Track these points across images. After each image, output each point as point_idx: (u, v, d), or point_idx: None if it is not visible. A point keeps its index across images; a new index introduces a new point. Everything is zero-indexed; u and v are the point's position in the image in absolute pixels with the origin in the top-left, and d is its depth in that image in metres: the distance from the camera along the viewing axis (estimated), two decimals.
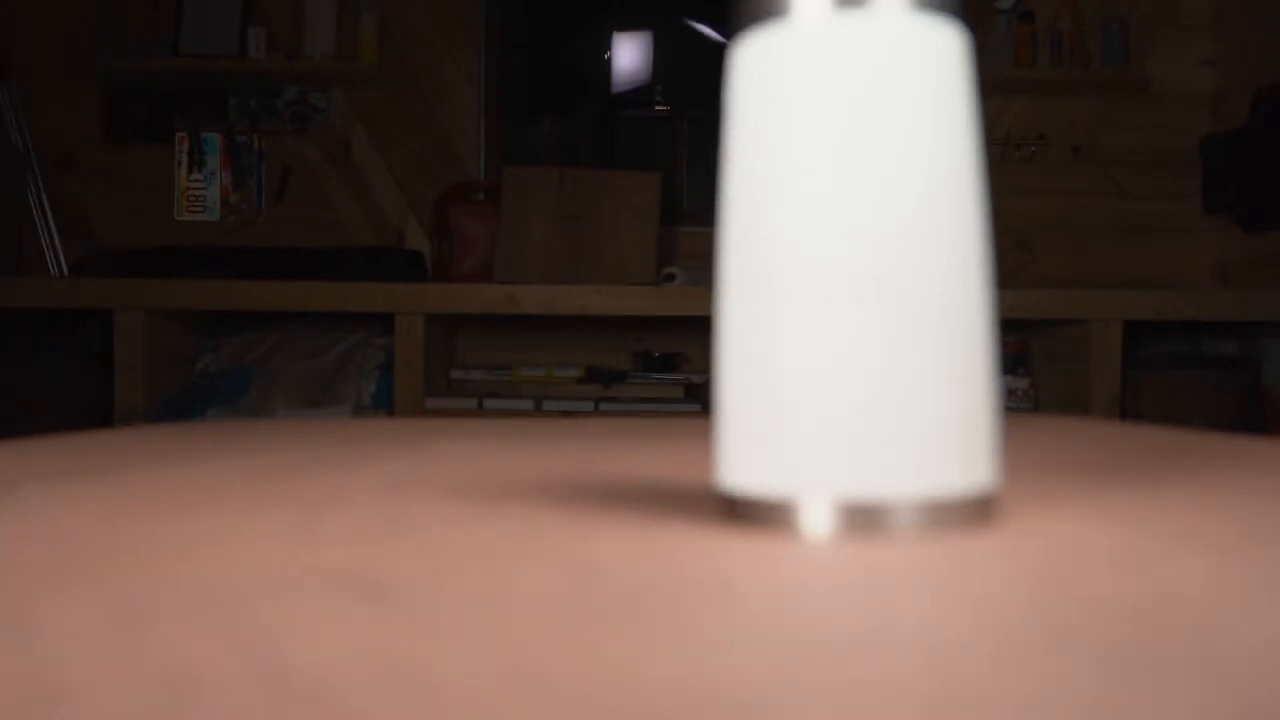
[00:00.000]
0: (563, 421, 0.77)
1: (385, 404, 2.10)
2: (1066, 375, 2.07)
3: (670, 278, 2.20)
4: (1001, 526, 0.28)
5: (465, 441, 0.59)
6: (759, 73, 0.29)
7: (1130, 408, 1.99)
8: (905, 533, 0.27)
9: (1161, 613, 0.19)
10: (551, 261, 2.07)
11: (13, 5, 2.43)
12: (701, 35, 2.55)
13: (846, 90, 0.27)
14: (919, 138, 0.27)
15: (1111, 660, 0.16)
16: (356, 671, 0.15)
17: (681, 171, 2.52)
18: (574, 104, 2.54)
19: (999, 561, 0.23)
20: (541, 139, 2.52)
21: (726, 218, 0.30)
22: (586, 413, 2.05)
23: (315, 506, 0.33)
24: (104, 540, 0.27)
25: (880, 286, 0.27)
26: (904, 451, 0.27)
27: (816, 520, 0.27)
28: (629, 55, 2.56)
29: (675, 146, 2.54)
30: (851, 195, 0.27)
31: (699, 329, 2.35)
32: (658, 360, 2.30)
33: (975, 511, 0.28)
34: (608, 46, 2.56)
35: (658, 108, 2.55)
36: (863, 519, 0.27)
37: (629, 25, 2.56)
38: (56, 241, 2.41)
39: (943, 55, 0.28)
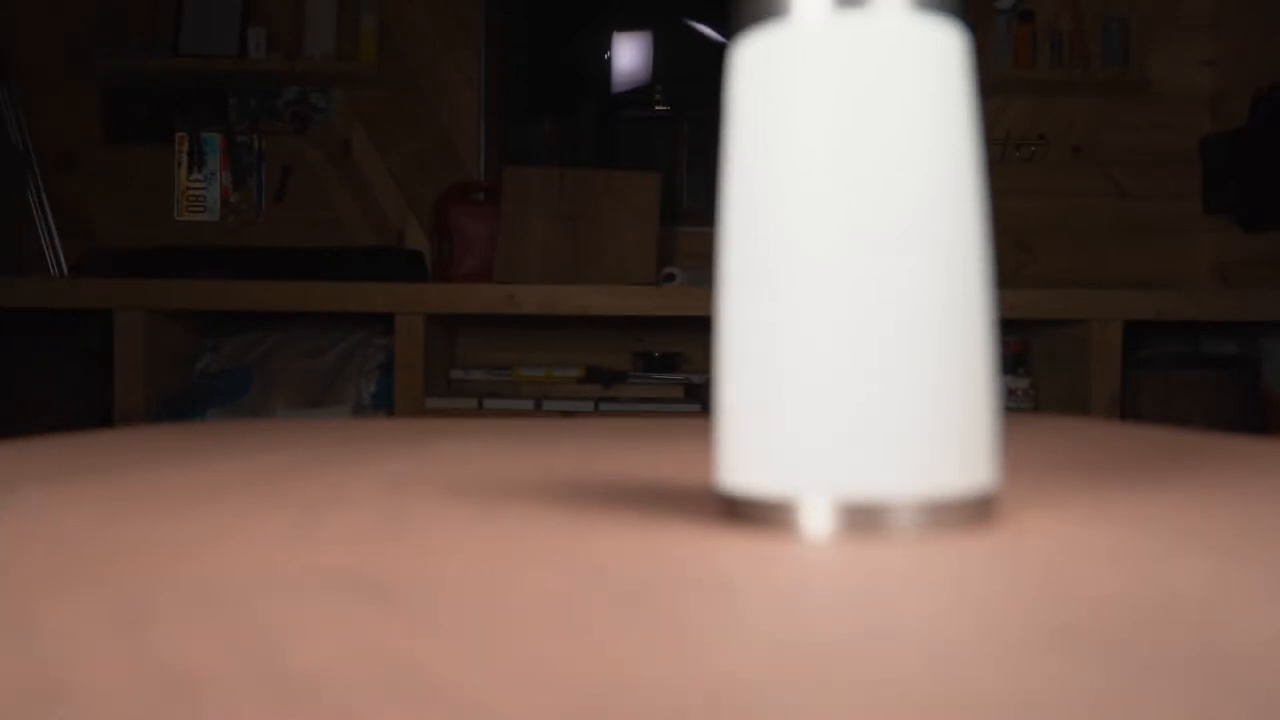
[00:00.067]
0: (563, 421, 0.77)
1: (385, 404, 2.10)
2: (1066, 375, 2.07)
3: (670, 278, 2.20)
4: (1001, 526, 0.28)
5: (465, 441, 0.59)
6: (759, 73, 0.29)
7: (1130, 408, 1.99)
8: (905, 533, 0.27)
9: (1161, 613, 0.19)
10: (551, 261, 2.07)
11: (13, 5, 2.43)
12: (701, 35, 2.55)
13: (846, 90, 0.27)
14: (919, 138, 0.27)
15: (1111, 660, 0.16)
16: (356, 671, 0.15)
17: (681, 171, 2.52)
18: (574, 104, 2.54)
19: (999, 561, 0.23)
20: (541, 139, 2.52)
21: (726, 218, 0.30)
22: (586, 413, 2.05)
23: (315, 506, 0.33)
24: (104, 540, 0.27)
25: (880, 287, 0.27)
26: (904, 451, 0.27)
27: (816, 520, 0.27)
28: (629, 55, 2.56)
29: (675, 146, 2.54)
30: (851, 195, 0.27)
31: (699, 329, 2.35)
32: (658, 360, 2.30)
33: (975, 511, 0.28)
34: (608, 46, 2.56)
35: (658, 108, 2.55)
36: (863, 519, 0.27)
37: (629, 25, 2.56)
38: (56, 241, 2.41)
39: (943, 55, 0.28)
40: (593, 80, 2.56)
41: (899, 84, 0.27)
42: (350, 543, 0.26)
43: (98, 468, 0.44)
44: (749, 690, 0.14)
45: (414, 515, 0.31)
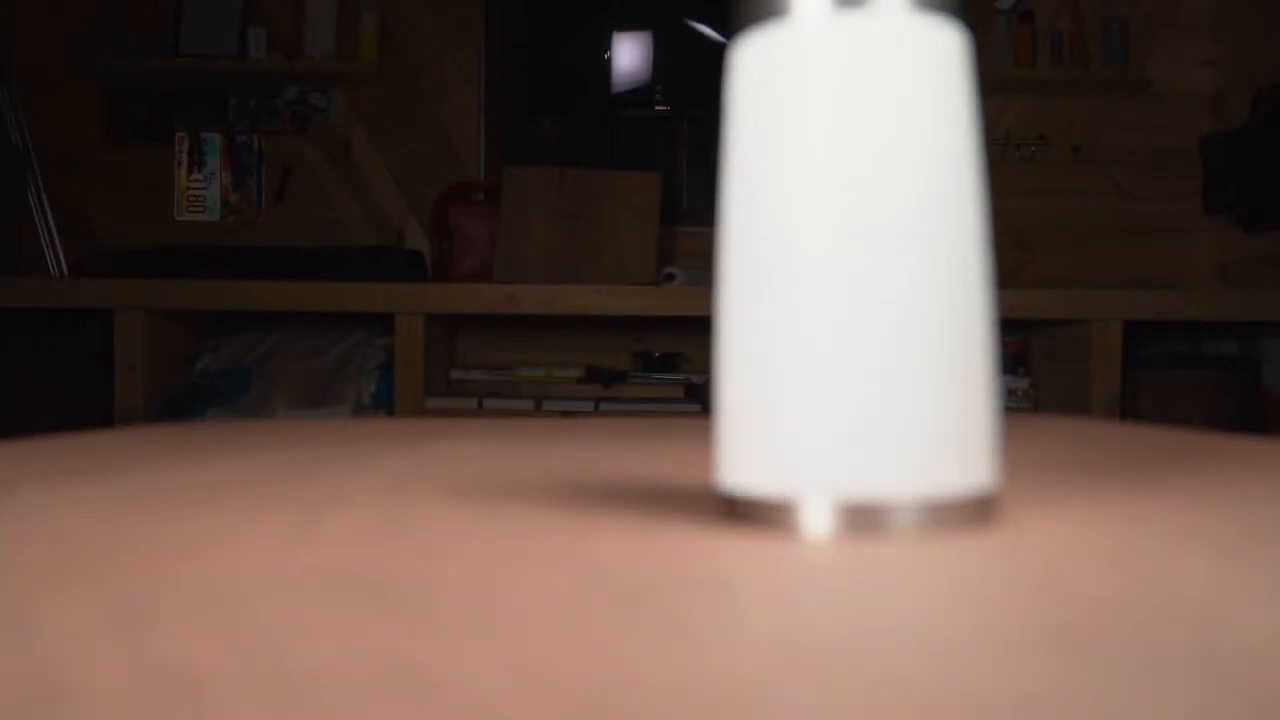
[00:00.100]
0: (563, 421, 0.77)
1: (385, 404, 2.10)
2: (1066, 375, 2.07)
3: (670, 278, 2.20)
4: (1001, 526, 0.28)
5: (465, 441, 0.59)
6: (759, 73, 0.29)
7: (1130, 408, 1.99)
8: (905, 533, 0.27)
9: (1161, 613, 0.19)
10: (551, 261, 2.07)
11: (13, 5, 2.43)
12: (701, 35, 2.55)
13: (846, 90, 0.27)
14: (919, 138, 0.27)
15: (1111, 660, 0.16)
16: (356, 671, 0.15)
17: (681, 171, 2.52)
18: (574, 104, 2.54)
19: (999, 561, 0.23)
20: (541, 139, 2.52)
21: (726, 218, 0.30)
22: (586, 413, 2.05)
23: (315, 506, 0.33)
24: (104, 540, 0.27)
25: (880, 286, 0.27)
26: (904, 451, 0.27)
27: (816, 520, 0.27)
28: (629, 55, 2.56)
29: (675, 146, 2.54)
30: (851, 195, 0.27)
31: (699, 329, 2.35)
32: (658, 360, 2.30)
33: (975, 511, 0.28)
34: (608, 46, 2.56)
35: (658, 108, 2.55)
36: (863, 519, 0.27)
37: (629, 25, 2.56)
38: (56, 241, 2.41)
39: (943, 55, 0.28)
40: (593, 80, 2.56)
41: (899, 84, 0.27)
42: (350, 543, 0.26)
43: (98, 468, 0.44)
44: (749, 690, 0.14)
45: (414, 515, 0.31)
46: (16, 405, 2.05)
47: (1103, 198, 2.46)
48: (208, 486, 0.38)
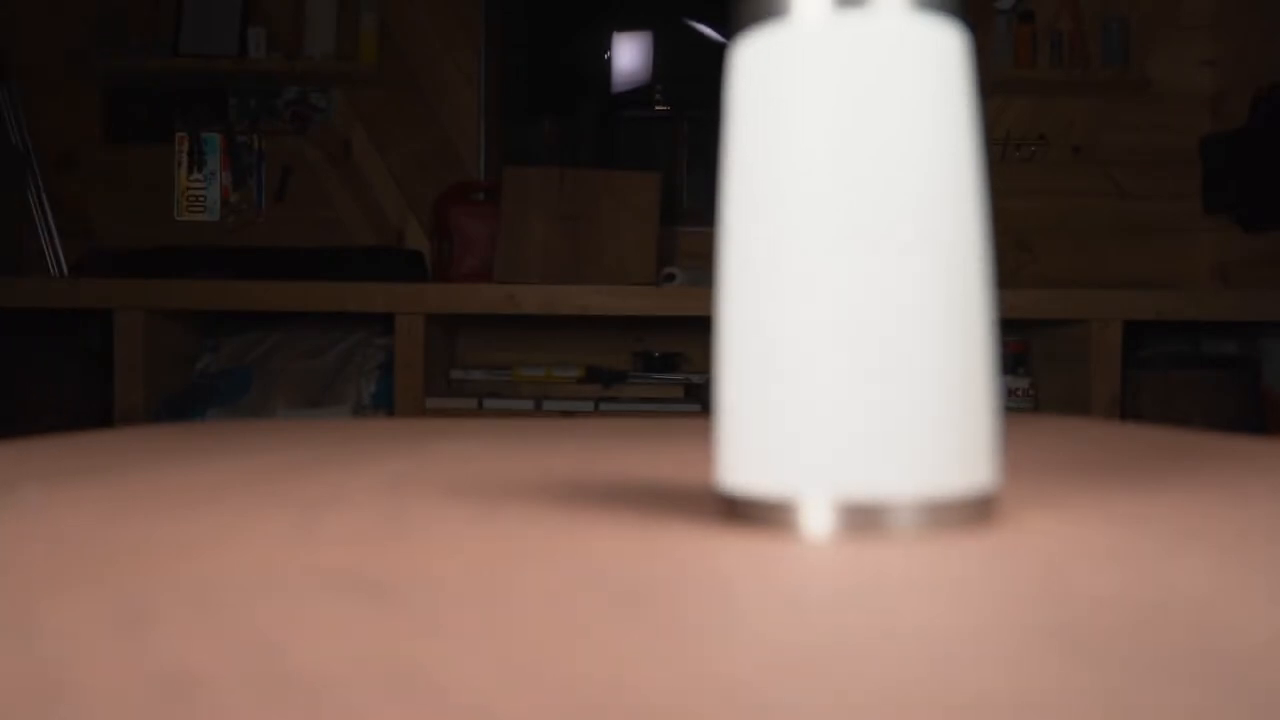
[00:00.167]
0: (563, 421, 0.77)
1: (385, 404, 2.10)
2: (1066, 375, 2.07)
3: (670, 278, 2.20)
4: (1001, 526, 0.28)
5: (465, 441, 0.59)
6: (759, 73, 0.29)
7: (1130, 408, 1.99)
8: (905, 533, 0.27)
9: (1161, 613, 0.19)
10: (551, 261, 2.07)
11: (13, 5, 2.43)
12: (701, 35, 2.55)
13: (846, 90, 0.27)
14: (919, 138, 0.27)
15: (1111, 660, 0.16)
16: (356, 671, 0.15)
17: (681, 171, 2.52)
18: (574, 104, 2.54)
19: (999, 561, 0.23)
20: (541, 139, 2.52)
21: (726, 218, 0.30)
22: (586, 413, 2.05)
23: (315, 506, 0.33)
24: (104, 540, 0.27)
25: (880, 287, 0.27)
26: (904, 451, 0.27)
27: (816, 520, 0.27)
28: (629, 55, 2.56)
29: (675, 146, 2.54)
30: (851, 195, 0.27)
31: (699, 329, 2.35)
32: (658, 360, 2.30)
33: (975, 511, 0.28)
34: (608, 46, 2.56)
35: (658, 108, 2.55)
36: (863, 519, 0.27)
37: (629, 25, 2.56)
38: (56, 241, 2.41)
39: (943, 55, 0.28)
40: (593, 80, 2.56)
41: (899, 84, 0.27)
42: (350, 543, 0.26)
43: (98, 468, 0.44)
44: (749, 690, 0.14)
45: (414, 515, 0.31)
46: (16, 405, 2.05)
47: (1103, 198, 2.46)
48: (208, 486, 0.38)
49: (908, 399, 0.27)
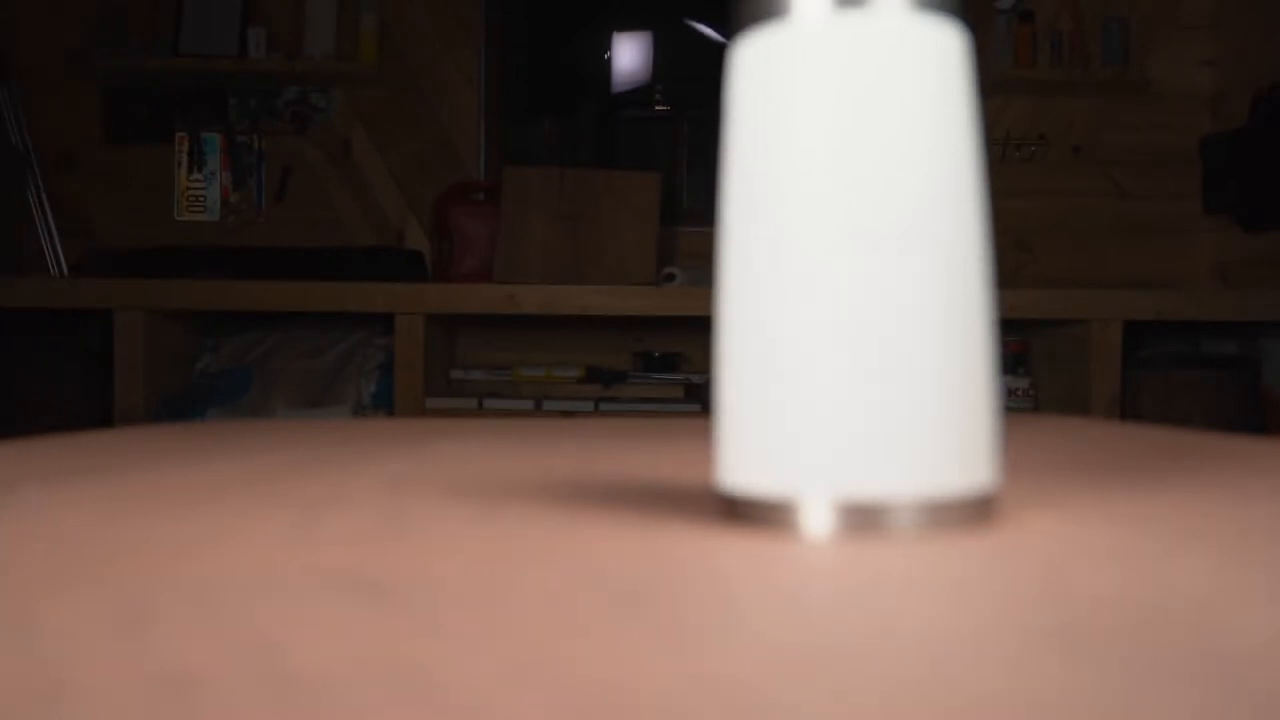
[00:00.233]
0: (563, 421, 0.77)
1: (385, 404, 2.10)
2: (1066, 375, 2.07)
3: (670, 278, 2.20)
4: (1001, 526, 0.28)
5: (465, 441, 0.59)
6: (759, 73, 0.29)
7: (1130, 408, 1.99)
8: (905, 533, 0.27)
9: (1161, 613, 0.19)
10: (551, 261, 2.07)
11: (13, 5, 2.43)
12: (701, 35, 2.55)
13: (846, 90, 0.27)
14: (919, 138, 0.27)
15: (1111, 660, 0.16)
16: (356, 671, 0.15)
17: (681, 171, 2.52)
18: (574, 104, 2.54)
19: (999, 561, 0.23)
20: (541, 139, 2.52)
21: (726, 218, 0.30)
22: (586, 413, 2.05)
23: (315, 506, 0.33)
24: (104, 540, 0.27)
25: (880, 287, 0.27)
26: (904, 451, 0.27)
27: (816, 520, 0.27)
28: (629, 55, 2.56)
29: (675, 146, 2.54)
30: (851, 195, 0.27)
31: (699, 329, 2.35)
32: (658, 360, 2.30)
33: (975, 511, 0.28)
34: (608, 46, 2.56)
35: (658, 108, 2.55)
36: (863, 519, 0.27)
37: (629, 25, 2.56)
38: (56, 241, 2.41)
39: (943, 55, 0.28)
40: (593, 80, 2.56)
41: (899, 84, 0.27)
42: (350, 543, 0.26)
43: (98, 468, 0.44)
44: (749, 690, 0.14)
45: (414, 515, 0.31)
46: (16, 405, 2.05)
47: (1103, 198, 2.46)
48: (208, 486, 0.38)
49: (908, 399, 0.27)
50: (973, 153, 0.29)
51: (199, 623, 0.18)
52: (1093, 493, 0.35)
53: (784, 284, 0.28)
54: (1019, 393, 2.17)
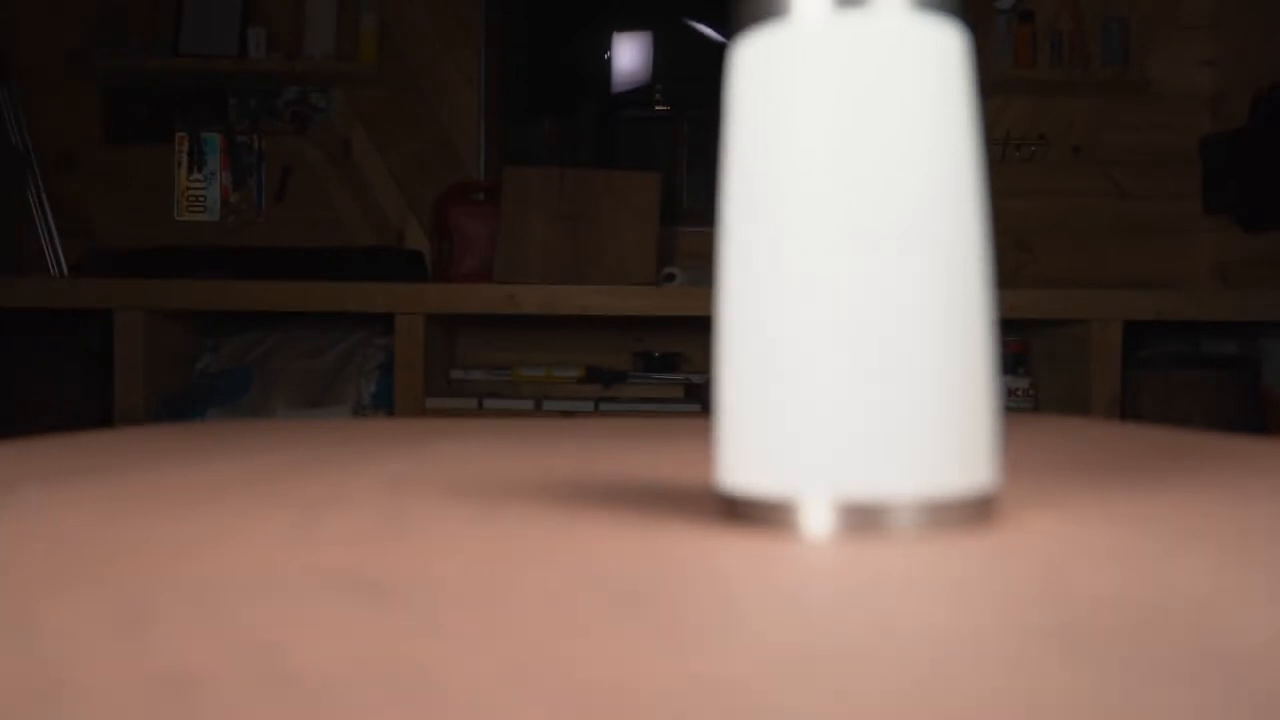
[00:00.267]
0: (563, 421, 0.77)
1: (385, 404, 2.10)
2: (1066, 375, 2.07)
3: (670, 278, 2.20)
4: (1001, 526, 0.28)
5: (465, 441, 0.59)
6: (759, 73, 0.29)
7: (1130, 408, 1.99)
8: (905, 533, 0.27)
9: (1161, 613, 0.19)
10: (551, 261, 2.07)
11: (13, 5, 2.43)
12: (701, 35, 2.55)
13: (846, 90, 0.27)
14: (919, 138, 0.27)
15: (1111, 660, 0.16)
16: (356, 671, 0.15)
17: (681, 171, 2.52)
18: (574, 104, 2.54)
19: (999, 561, 0.23)
20: (541, 139, 2.52)
21: (726, 218, 0.30)
22: (586, 413, 2.05)
23: (315, 506, 0.33)
24: (104, 540, 0.27)
25: (880, 287, 0.27)
26: (904, 451, 0.27)
27: (816, 520, 0.27)
28: (629, 55, 2.56)
29: (675, 146, 2.54)
30: (851, 195, 0.27)
31: (699, 329, 2.35)
32: (658, 360, 2.30)
33: (975, 511, 0.28)
34: (608, 46, 2.56)
35: (658, 108, 2.55)
36: (863, 519, 0.27)
37: (629, 25, 2.56)
38: (56, 241, 2.41)
39: (943, 55, 0.28)
40: (593, 80, 2.56)
41: (899, 84, 0.27)
42: (350, 543, 0.26)
43: (98, 468, 0.44)
44: (749, 691, 0.14)
45: (414, 515, 0.31)
46: (16, 405, 2.05)
47: (1103, 198, 2.46)
48: (208, 486, 0.38)
49: (908, 399, 0.27)
50: (973, 153, 0.29)
51: (199, 623, 0.18)
52: (1093, 493, 0.35)
53: (784, 284, 0.28)
54: (1019, 393, 2.17)
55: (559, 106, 2.54)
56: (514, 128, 2.55)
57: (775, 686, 0.15)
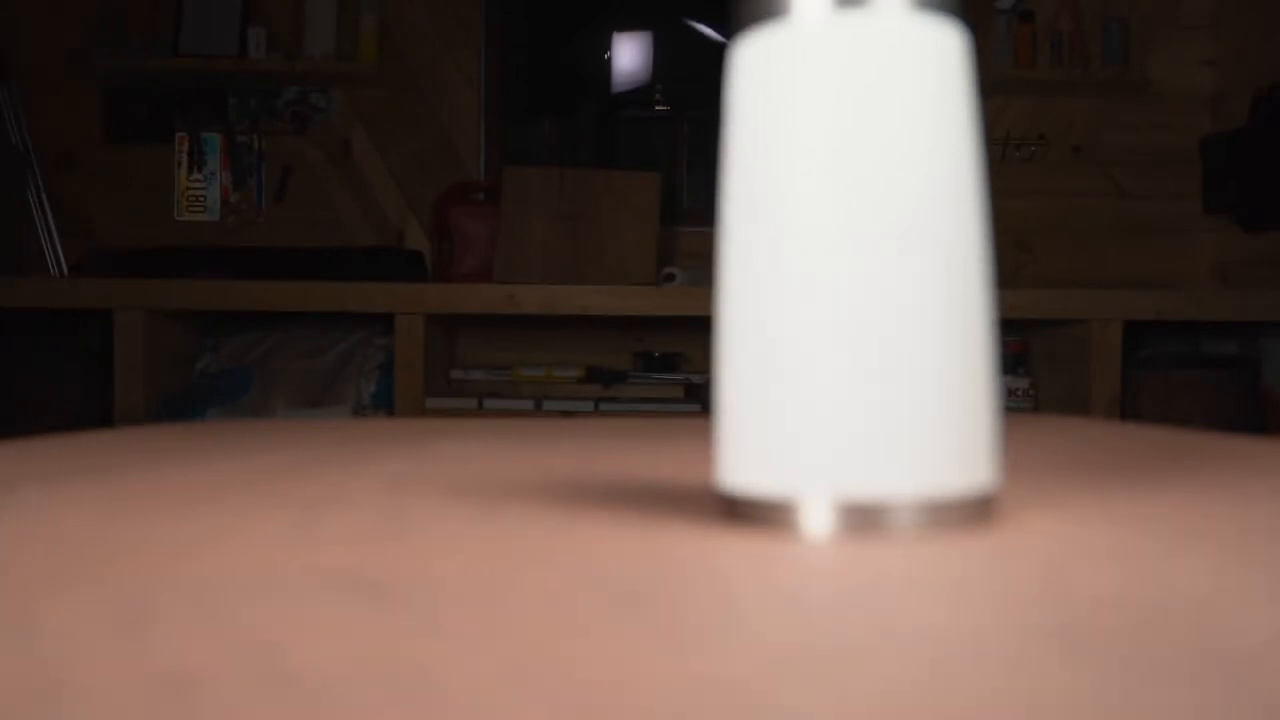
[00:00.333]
0: (563, 421, 0.77)
1: (385, 404, 2.10)
2: (1066, 375, 2.07)
3: (670, 278, 2.20)
4: (1001, 526, 0.28)
5: (465, 441, 0.59)
6: (759, 73, 0.29)
7: (1130, 408, 1.99)
8: (905, 533, 0.27)
9: (1161, 613, 0.19)
10: (551, 261, 2.07)
11: (13, 5, 2.43)
12: (701, 35, 2.55)
13: (846, 90, 0.27)
14: (919, 138, 0.27)
15: (1111, 660, 0.16)
16: (356, 671, 0.15)
17: (681, 171, 2.52)
18: (574, 104, 2.54)
19: (999, 561, 0.23)
20: (541, 139, 2.52)
21: (726, 218, 0.30)
22: (586, 413, 2.05)
23: (315, 506, 0.33)
24: (104, 540, 0.27)
25: (880, 287, 0.27)
26: (904, 451, 0.27)
27: (816, 520, 0.27)
28: (629, 55, 2.56)
29: (675, 146, 2.54)
30: (851, 195, 0.27)
31: (699, 329, 2.35)
32: (658, 360, 2.30)
33: (975, 511, 0.28)
34: (608, 46, 2.56)
35: (658, 108, 2.55)
36: (863, 519, 0.27)
37: (629, 25, 2.56)
38: (56, 241, 2.41)
39: (943, 55, 0.28)
40: (593, 80, 2.56)
41: (899, 84, 0.27)
42: (350, 543, 0.26)
43: (98, 468, 0.44)
44: (749, 691, 0.14)
45: (414, 515, 0.31)
46: (16, 405, 2.05)
47: (1103, 198, 2.46)
48: (208, 486, 0.38)
49: (908, 399, 0.27)
50: (973, 153, 0.29)
51: (199, 623, 0.18)
52: (1093, 493, 0.35)
53: (784, 284, 0.28)
54: (1019, 393, 2.17)
55: (559, 106, 2.54)
56: (514, 128, 2.55)
57: (775, 686, 0.15)
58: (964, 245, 0.28)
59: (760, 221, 0.28)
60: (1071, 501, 0.33)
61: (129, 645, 0.17)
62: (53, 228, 2.41)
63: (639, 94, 2.55)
